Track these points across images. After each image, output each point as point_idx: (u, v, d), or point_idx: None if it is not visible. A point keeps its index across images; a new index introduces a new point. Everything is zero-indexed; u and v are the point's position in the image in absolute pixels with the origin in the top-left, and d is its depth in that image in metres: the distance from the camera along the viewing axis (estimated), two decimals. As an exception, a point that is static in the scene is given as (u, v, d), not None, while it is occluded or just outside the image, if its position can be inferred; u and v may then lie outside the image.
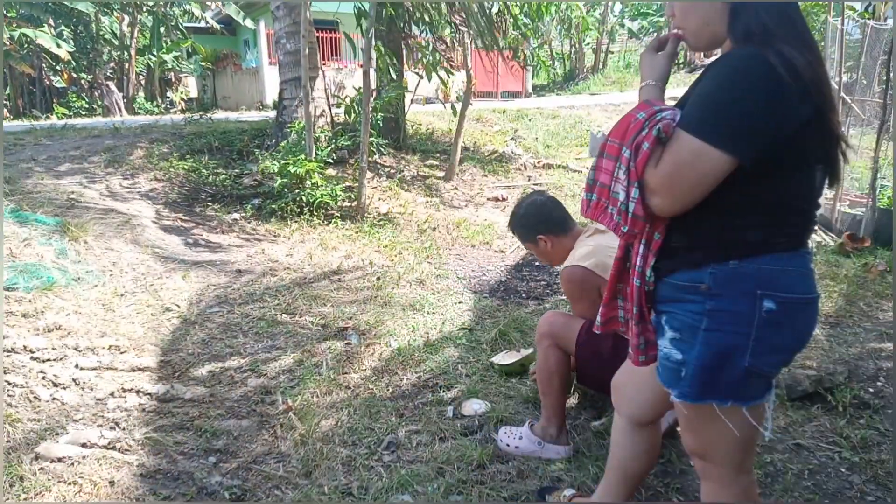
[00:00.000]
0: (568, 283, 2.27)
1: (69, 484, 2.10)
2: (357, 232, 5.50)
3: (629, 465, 1.77)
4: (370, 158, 6.75)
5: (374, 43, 6.08)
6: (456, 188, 7.13)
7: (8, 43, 14.17)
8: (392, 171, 7.27)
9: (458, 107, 7.28)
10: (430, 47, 6.85)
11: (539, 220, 2.42)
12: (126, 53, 16.71)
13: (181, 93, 18.39)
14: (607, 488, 1.82)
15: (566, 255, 2.34)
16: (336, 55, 16.75)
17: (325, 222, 5.67)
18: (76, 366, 2.82)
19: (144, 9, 16.90)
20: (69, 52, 15.33)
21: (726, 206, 1.23)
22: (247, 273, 4.44)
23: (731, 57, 1.22)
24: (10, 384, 2.57)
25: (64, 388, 2.64)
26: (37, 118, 13.11)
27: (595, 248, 2.25)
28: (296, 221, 5.62)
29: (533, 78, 18.87)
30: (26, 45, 14.79)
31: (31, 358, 2.81)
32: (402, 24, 7.01)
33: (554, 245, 2.40)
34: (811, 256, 1.34)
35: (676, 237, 1.31)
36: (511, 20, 7.24)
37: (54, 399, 2.56)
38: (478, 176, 7.57)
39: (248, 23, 16.45)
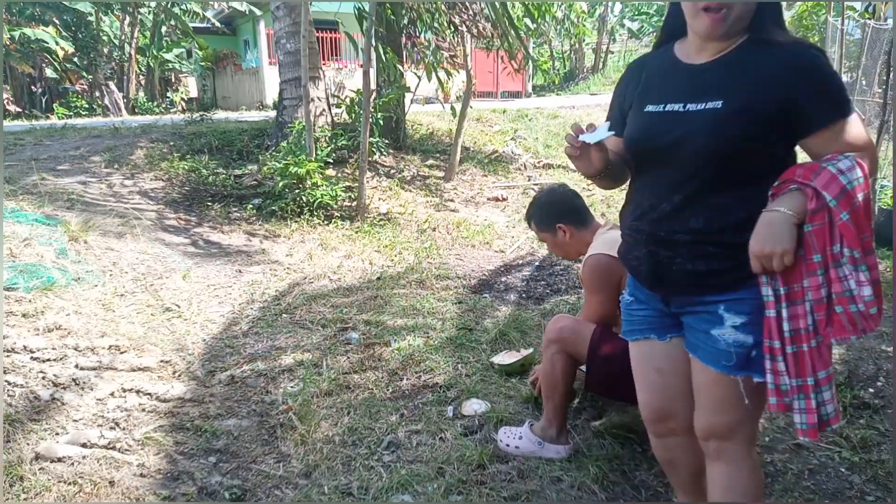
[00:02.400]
0: (592, 271, 2.21)
1: (69, 484, 2.10)
2: (357, 232, 5.50)
3: (699, 473, 1.67)
4: (370, 158, 6.75)
5: (374, 43, 6.08)
6: (456, 188, 7.13)
7: (8, 43, 14.18)
8: (392, 170, 7.27)
9: (458, 107, 7.28)
10: (431, 48, 6.86)
11: (560, 209, 2.39)
12: (126, 53, 16.72)
13: (181, 93, 18.40)
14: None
15: (581, 249, 2.31)
16: (336, 55, 16.75)
17: (326, 222, 5.67)
18: (76, 366, 2.82)
19: (145, 9, 16.91)
20: (70, 52, 15.35)
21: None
22: (247, 273, 4.44)
23: (807, 50, 1.35)
24: (10, 384, 2.57)
25: (64, 388, 2.64)
26: (37, 118, 13.12)
27: (618, 239, 2.24)
28: (296, 221, 5.62)
29: (532, 79, 18.86)
30: (26, 45, 14.80)
31: (31, 358, 2.81)
32: (402, 25, 7.01)
33: (572, 236, 2.37)
34: None
35: (749, 224, 1.33)
36: (510, 21, 7.24)
37: (54, 399, 2.56)
38: (478, 176, 7.57)
39: (255, 10, 16.42)
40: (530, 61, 8.56)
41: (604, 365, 2.21)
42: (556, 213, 2.40)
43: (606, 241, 2.24)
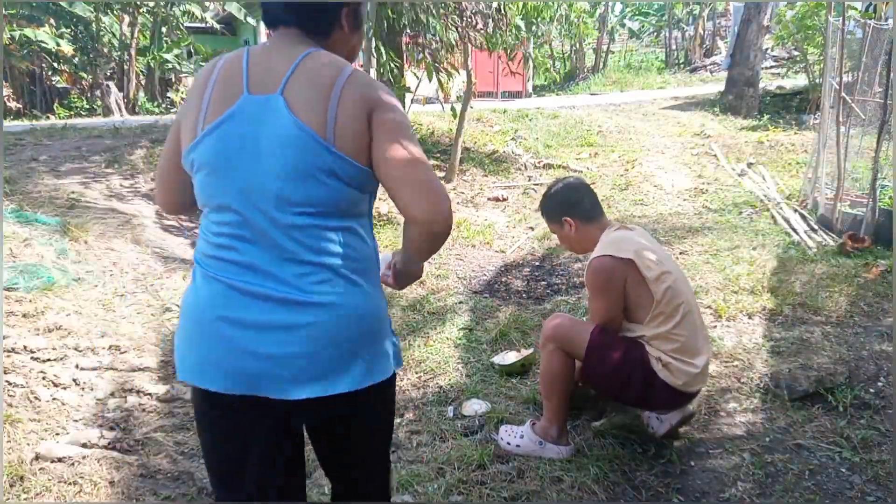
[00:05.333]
0: (595, 275, 2.19)
1: (69, 484, 2.10)
2: (357, 232, 5.49)
3: None
4: (370, 158, 6.74)
5: (374, 43, 6.08)
6: (456, 188, 7.12)
7: (8, 43, 14.18)
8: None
9: (458, 107, 7.28)
10: (431, 48, 6.85)
11: (569, 202, 2.37)
12: (126, 53, 16.72)
13: (181, 93, 18.40)
14: None
15: (589, 244, 2.29)
16: (336, 55, 16.73)
17: (326, 222, 5.66)
18: (76, 366, 2.82)
19: (144, 9, 16.91)
20: (70, 53, 15.35)
21: None
22: (247, 273, 4.43)
23: None
24: (10, 384, 2.57)
25: (64, 388, 2.64)
26: (37, 118, 13.12)
27: (624, 239, 2.22)
28: (296, 221, 5.61)
29: (533, 79, 18.85)
30: (26, 46, 14.80)
31: (32, 358, 2.81)
32: (402, 25, 7.01)
33: (578, 230, 2.35)
34: None
35: None
36: (509, 21, 7.24)
37: (54, 399, 2.56)
38: (478, 176, 7.56)
39: (250, 20, 16.45)
40: (530, 61, 8.55)
41: (599, 365, 2.21)
42: (564, 206, 2.37)
43: (612, 242, 2.22)
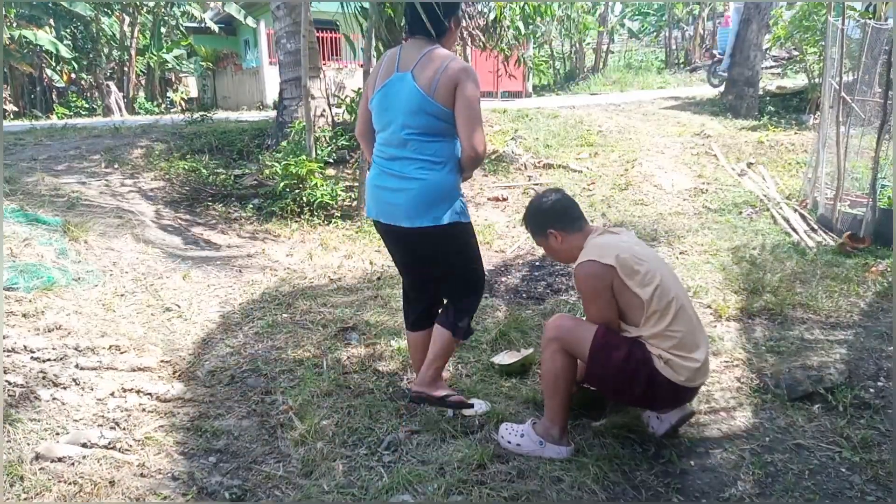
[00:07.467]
0: (583, 281, 2.23)
1: (69, 484, 2.09)
2: (357, 232, 5.49)
3: None
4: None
5: (374, 43, 6.08)
6: (456, 188, 7.13)
7: (8, 42, 14.18)
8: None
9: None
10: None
11: (552, 215, 2.40)
12: (126, 53, 16.72)
13: (181, 93, 18.42)
14: None
15: (576, 252, 2.32)
16: (336, 55, 16.75)
17: (326, 222, 5.67)
18: (76, 366, 2.82)
19: (144, 9, 16.91)
20: (70, 53, 15.35)
21: None
22: (247, 273, 4.43)
23: None
24: (10, 384, 2.56)
25: (64, 388, 2.64)
26: (37, 118, 13.11)
27: (607, 245, 2.24)
28: (296, 221, 5.62)
29: (531, 79, 18.85)
30: (26, 46, 14.80)
31: (32, 358, 2.81)
32: (401, 25, 7.01)
33: (564, 241, 2.38)
34: None
35: None
36: (507, 23, 7.24)
37: (54, 399, 2.56)
38: (478, 176, 7.56)
39: (250, 21, 16.46)
40: (526, 62, 8.54)
41: (603, 366, 2.21)
42: (547, 219, 2.41)
43: (595, 247, 2.26)
